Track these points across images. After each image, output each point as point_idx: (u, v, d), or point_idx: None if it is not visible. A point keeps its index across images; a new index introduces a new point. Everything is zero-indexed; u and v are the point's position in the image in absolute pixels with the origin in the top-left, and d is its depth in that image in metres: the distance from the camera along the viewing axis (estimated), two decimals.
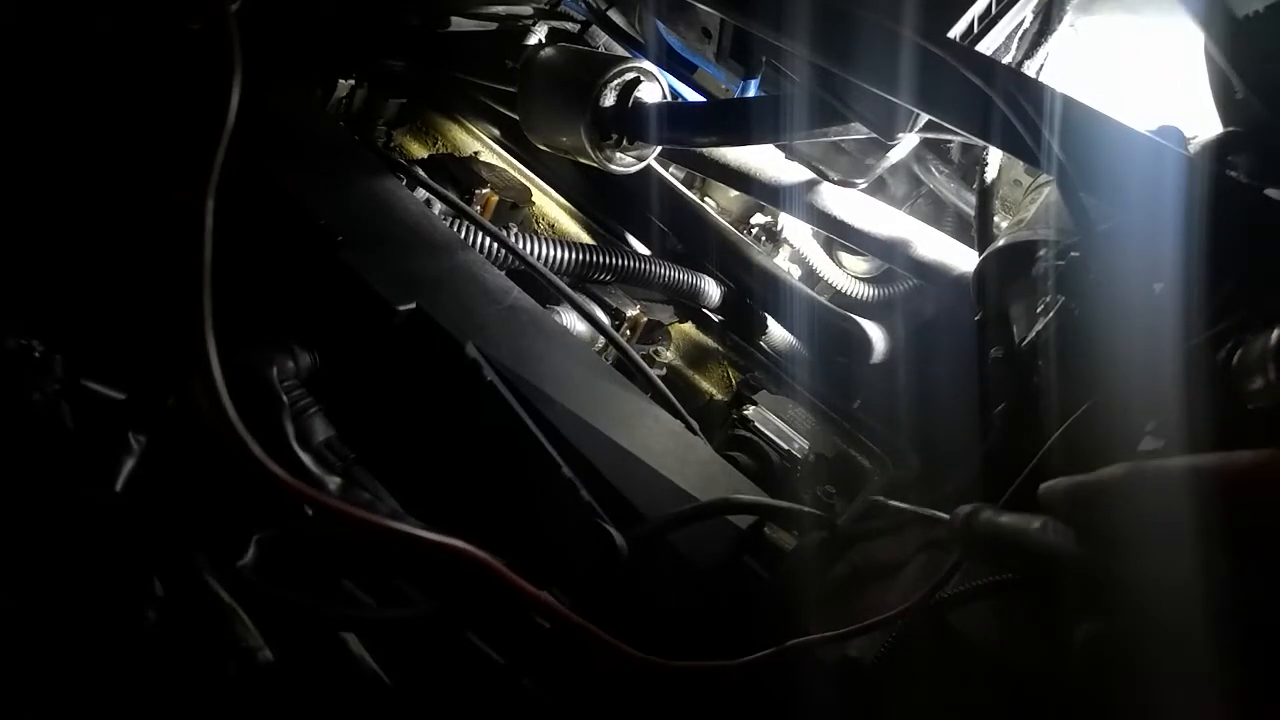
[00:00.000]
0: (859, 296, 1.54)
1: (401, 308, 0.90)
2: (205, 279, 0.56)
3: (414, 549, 0.64)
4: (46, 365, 0.68)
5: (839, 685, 0.70)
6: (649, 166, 1.32)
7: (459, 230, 1.14)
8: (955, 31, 0.89)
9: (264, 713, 0.65)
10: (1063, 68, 1.05)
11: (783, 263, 1.61)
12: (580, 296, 1.29)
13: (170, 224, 0.56)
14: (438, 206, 1.20)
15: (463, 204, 1.21)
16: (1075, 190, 0.76)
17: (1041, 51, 1.00)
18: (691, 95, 1.32)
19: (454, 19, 1.36)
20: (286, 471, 0.59)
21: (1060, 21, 1.00)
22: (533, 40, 1.38)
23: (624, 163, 1.26)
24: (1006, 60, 0.98)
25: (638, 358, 1.14)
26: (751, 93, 1.13)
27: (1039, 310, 0.84)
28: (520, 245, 1.20)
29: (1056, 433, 0.70)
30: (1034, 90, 0.79)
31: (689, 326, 1.54)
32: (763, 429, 1.29)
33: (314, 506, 0.61)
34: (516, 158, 1.56)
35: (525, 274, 1.17)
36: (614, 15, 1.30)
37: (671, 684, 0.69)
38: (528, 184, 1.51)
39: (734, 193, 1.61)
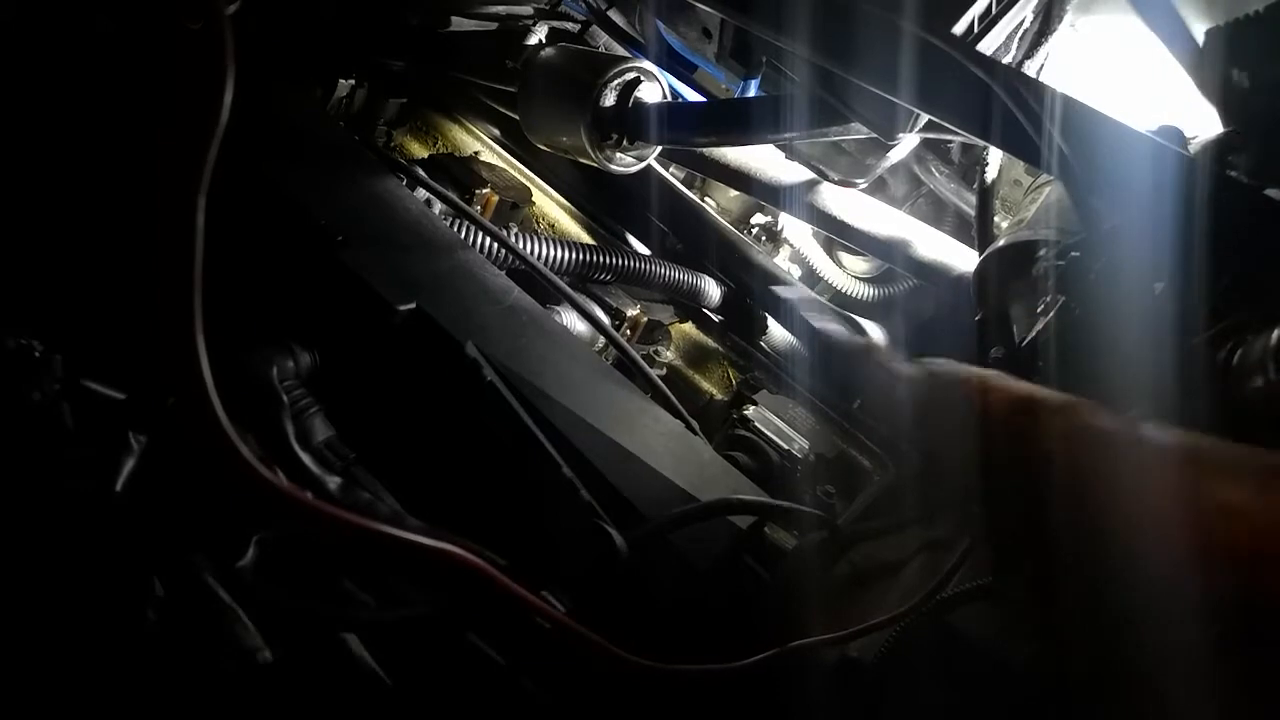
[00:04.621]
0: (859, 296, 1.54)
1: (401, 308, 0.90)
2: (196, 278, 0.55)
3: (408, 553, 0.64)
4: (46, 365, 0.68)
5: (839, 685, 0.70)
6: (649, 166, 1.32)
7: (459, 230, 1.14)
8: (955, 31, 0.89)
9: (264, 713, 0.65)
10: (1063, 68, 1.05)
11: (783, 263, 1.61)
12: (580, 296, 1.29)
13: (162, 223, 0.55)
14: (438, 206, 1.20)
15: (463, 204, 1.21)
16: (1080, 189, 0.76)
17: (1041, 51, 1.00)
18: (691, 95, 1.32)
19: (454, 19, 1.36)
20: (285, 472, 0.59)
21: (1060, 21, 0.99)
22: (533, 40, 1.38)
23: (624, 163, 1.26)
24: (1006, 60, 0.98)
25: (638, 358, 1.14)
26: (751, 92, 1.13)
27: (1039, 310, 0.84)
28: (520, 245, 1.20)
29: None
30: (1035, 90, 0.79)
31: (689, 326, 1.54)
32: (763, 429, 1.29)
33: (306, 512, 0.61)
34: (516, 158, 1.56)
35: (525, 274, 1.17)
36: (614, 15, 1.30)
37: (670, 686, 0.68)
38: (528, 184, 1.51)
39: (734, 193, 1.61)
